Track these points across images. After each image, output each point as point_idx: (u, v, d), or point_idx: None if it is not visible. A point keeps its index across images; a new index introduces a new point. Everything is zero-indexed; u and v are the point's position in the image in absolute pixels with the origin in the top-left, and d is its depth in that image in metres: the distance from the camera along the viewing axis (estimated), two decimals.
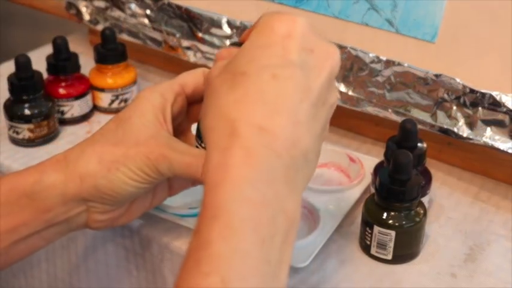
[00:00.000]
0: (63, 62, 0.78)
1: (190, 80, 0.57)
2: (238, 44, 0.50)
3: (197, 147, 0.56)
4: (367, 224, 0.61)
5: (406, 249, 0.61)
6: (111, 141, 0.54)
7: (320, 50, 0.46)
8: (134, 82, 0.82)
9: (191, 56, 0.81)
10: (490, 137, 0.65)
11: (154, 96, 0.55)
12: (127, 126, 0.54)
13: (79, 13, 0.88)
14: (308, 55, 0.45)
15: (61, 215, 0.55)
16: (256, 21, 0.50)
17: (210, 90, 0.47)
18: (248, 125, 0.43)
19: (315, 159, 0.46)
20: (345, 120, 0.77)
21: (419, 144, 0.64)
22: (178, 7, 0.80)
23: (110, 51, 0.80)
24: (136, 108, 0.55)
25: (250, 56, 0.45)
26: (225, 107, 0.44)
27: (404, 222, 0.59)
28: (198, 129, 0.56)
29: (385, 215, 0.59)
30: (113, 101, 0.81)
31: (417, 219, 0.60)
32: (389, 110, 0.70)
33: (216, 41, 0.78)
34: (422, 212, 0.61)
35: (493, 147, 0.65)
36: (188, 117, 0.60)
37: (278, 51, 0.45)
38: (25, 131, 0.75)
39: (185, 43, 0.81)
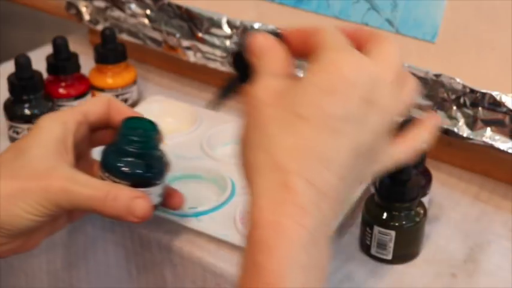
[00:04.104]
0: (63, 62, 0.78)
1: (94, 109, 0.56)
2: (276, 34, 0.48)
3: (101, 176, 0.54)
4: (367, 224, 0.61)
5: (406, 249, 0.61)
6: (8, 173, 0.52)
7: (379, 105, 0.44)
8: (134, 82, 0.82)
9: (191, 56, 0.81)
10: (490, 137, 0.65)
11: (55, 126, 0.54)
12: (25, 157, 0.52)
13: (79, 13, 0.88)
14: (367, 108, 0.43)
15: None
16: (314, 37, 0.46)
17: (258, 117, 0.44)
18: (301, 178, 0.42)
19: (346, 202, 0.46)
20: None
21: None
22: (178, 7, 0.80)
23: (110, 51, 0.80)
24: (35, 138, 0.53)
25: (311, 98, 0.43)
26: (279, 151, 0.42)
27: (404, 222, 0.59)
28: (104, 159, 0.54)
29: (385, 215, 0.59)
30: None
31: (417, 219, 0.60)
32: None
33: (216, 41, 0.78)
34: (422, 212, 0.61)
35: (493, 147, 0.64)
36: (90, 142, 0.59)
37: (340, 100, 0.42)
38: (25, 131, 0.75)
39: (185, 43, 0.81)
